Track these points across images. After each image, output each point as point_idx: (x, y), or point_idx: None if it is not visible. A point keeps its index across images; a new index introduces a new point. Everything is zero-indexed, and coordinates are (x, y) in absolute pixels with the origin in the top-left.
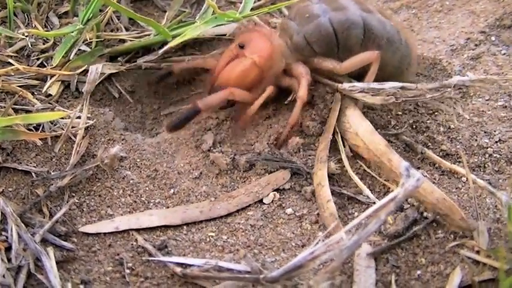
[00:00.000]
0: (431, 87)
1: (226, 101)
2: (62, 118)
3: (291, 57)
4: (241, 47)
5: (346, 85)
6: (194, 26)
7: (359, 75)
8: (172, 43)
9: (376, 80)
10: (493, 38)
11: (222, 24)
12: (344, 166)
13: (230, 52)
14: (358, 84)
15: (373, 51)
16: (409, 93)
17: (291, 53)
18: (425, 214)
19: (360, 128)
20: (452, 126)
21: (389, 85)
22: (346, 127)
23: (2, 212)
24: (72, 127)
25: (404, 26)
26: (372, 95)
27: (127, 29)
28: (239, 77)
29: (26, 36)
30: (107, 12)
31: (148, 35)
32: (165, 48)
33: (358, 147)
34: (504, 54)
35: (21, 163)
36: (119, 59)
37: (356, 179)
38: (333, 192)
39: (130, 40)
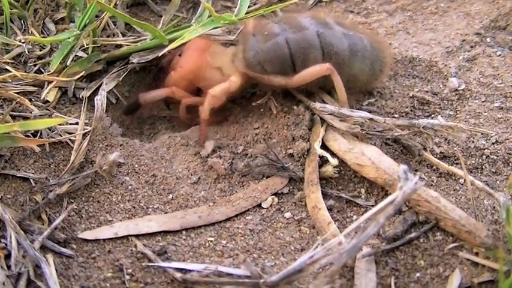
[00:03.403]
0: (400, 123)
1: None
2: (60, 124)
3: (230, 69)
4: (180, 55)
5: (317, 105)
6: (191, 29)
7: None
8: (171, 46)
9: (353, 90)
10: (488, 40)
11: (218, 27)
12: (342, 170)
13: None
14: (329, 107)
15: (322, 64)
16: (377, 126)
17: (242, 65)
18: (422, 217)
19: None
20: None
21: (358, 114)
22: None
23: (1, 219)
24: (70, 133)
25: (367, 29)
26: (340, 120)
27: (123, 35)
28: (171, 83)
29: (23, 42)
30: (103, 17)
31: (145, 39)
32: (164, 51)
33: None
34: (499, 55)
35: (19, 170)
36: (116, 64)
37: None
38: (331, 196)
39: (127, 45)
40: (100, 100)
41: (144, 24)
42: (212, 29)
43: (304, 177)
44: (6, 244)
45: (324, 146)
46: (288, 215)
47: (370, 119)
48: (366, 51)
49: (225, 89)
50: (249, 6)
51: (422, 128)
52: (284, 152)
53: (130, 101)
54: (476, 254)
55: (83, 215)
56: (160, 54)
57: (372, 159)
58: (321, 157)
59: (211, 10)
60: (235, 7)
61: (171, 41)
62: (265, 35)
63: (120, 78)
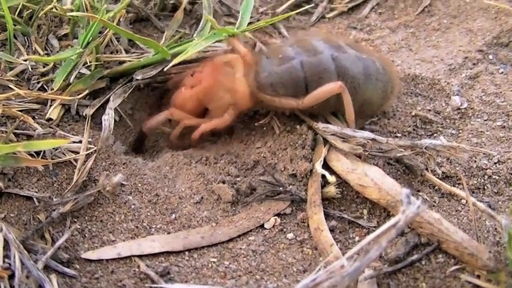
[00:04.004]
0: (403, 144)
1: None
2: None
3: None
4: (192, 75)
5: (320, 125)
6: (194, 43)
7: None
8: (175, 61)
9: (366, 113)
10: (490, 57)
11: (220, 41)
12: (344, 190)
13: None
14: (332, 127)
15: (335, 82)
16: (379, 146)
17: (253, 86)
18: (424, 239)
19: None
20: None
21: (360, 134)
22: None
23: (4, 239)
24: (74, 152)
25: (376, 51)
26: (343, 141)
27: (127, 51)
28: (178, 103)
29: (25, 61)
30: (107, 34)
31: (148, 56)
32: (169, 66)
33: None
34: (502, 73)
35: (22, 188)
36: (119, 81)
37: None
38: (333, 217)
39: (130, 61)
40: (108, 120)
41: (146, 40)
42: (215, 42)
43: (307, 198)
44: (10, 264)
45: (326, 167)
46: (290, 236)
47: (373, 139)
48: (379, 73)
49: (215, 126)
50: (251, 23)
51: (425, 148)
52: (287, 173)
53: (135, 136)
54: (478, 276)
55: (86, 235)
56: (165, 69)
57: (374, 180)
58: (324, 178)
59: (214, 22)
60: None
61: (173, 56)
62: (279, 57)
63: (126, 95)
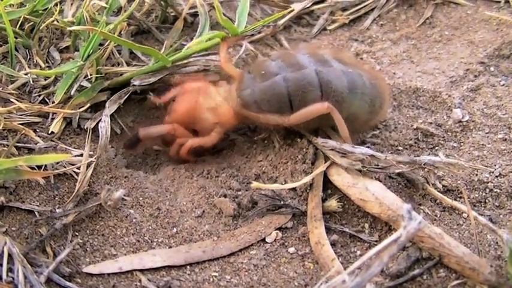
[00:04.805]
0: (402, 160)
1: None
2: None
3: (223, 109)
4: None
5: (319, 140)
6: (196, 41)
7: None
8: (179, 55)
9: (353, 128)
10: (492, 69)
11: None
12: (346, 204)
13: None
14: (331, 142)
15: (322, 103)
16: (378, 163)
17: (237, 104)
18: (425, 254)
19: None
20: None
21: (359, 150)
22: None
23: (8, 253)
24: (75, 165)
25: (364, 65)
26: (341, 156)
27: (128, 64)
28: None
29: (27, 74)
30: (108, 47)
31: None
32: (167, 72)
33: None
34: (503, 85)
35: (24, 202)
36: (122, 91)
37: None
38: (334, 231)
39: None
40: (104, 127)
41: (146, 48)
42: (215, 38)
43: (307, 212)
44: (13, 278)
45: (327, 181)
46: (292, 250)
47: (371, 156)
48: (366, 88)
49: (202, 143)
50: (252, 35)
51: (424, 164)
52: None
53: (130, 135)
54: None
55: (87, 249)
56: (164, 75)
57: (375, 195)
58: (324, 191)
59: (219, 10)
60: None
61: (174, 62)
62: (262, 74)
63: (122, 101)
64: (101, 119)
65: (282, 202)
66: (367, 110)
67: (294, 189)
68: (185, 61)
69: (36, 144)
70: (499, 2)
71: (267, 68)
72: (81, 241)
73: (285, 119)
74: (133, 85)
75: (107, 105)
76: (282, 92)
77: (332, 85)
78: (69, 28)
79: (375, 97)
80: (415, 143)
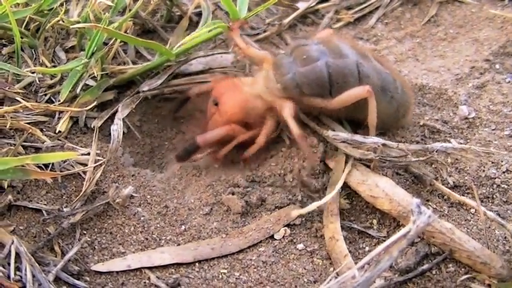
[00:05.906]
0: (414, 148)
1: (226, 136)
2: None
3: (273, 95)
4: (216, 104)
5: (330, 133)
6: (201, 31)
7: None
8: (186, 46)
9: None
10: (497, 66)
11: (221, 33)
12: (354, 200)
13: (210, 107)
14: (342, 134)
15: (363, 86)
16: (390, 152)
17: (278, 90)
18: (434, 249)
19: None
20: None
21: (371, 140)
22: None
23: (16, 252)
24: (82, 164)
25: (398, 73)
26: (353, 147)
27: (134, 63)
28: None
29: (33, 73)
30: (113, 45)
31: None
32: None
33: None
34: (509, 82)
35: (31, 201)
36: (127, 92)
37: None
38: (343, 227)
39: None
40: (116, 131)
41: (150, 42)
42: (217, 29)
43: (316, 209)
44: (21, 276)
45: None
46: (300, 246)
47: (384, 145)
48: (397, 93)
49: (266, 134)
50: (257, 34)
51: (436, 152)
52: (296, 183)
53: (186, 146)
54: (489, 286)
55: (95, 247)
56: (169, 76)
57: (385, 191)
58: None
59: None
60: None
61: (177, 56)
62: (303, 58)
63: (134, 105)
64: (107, 118)
65: (290, 199)
66: (391, 114)
67: (302, 186)
68: (189, 59)
69: (43, 143)
70: (503, 0)
71: (309, 52)
72: (89, 239)
73: (327, 102)
74: (143, 91)
75: (119, 109)
76: (324, 77)
77: (369, 80)
78: (72, 26)
79: (401, 104)
80: (422, 139)
